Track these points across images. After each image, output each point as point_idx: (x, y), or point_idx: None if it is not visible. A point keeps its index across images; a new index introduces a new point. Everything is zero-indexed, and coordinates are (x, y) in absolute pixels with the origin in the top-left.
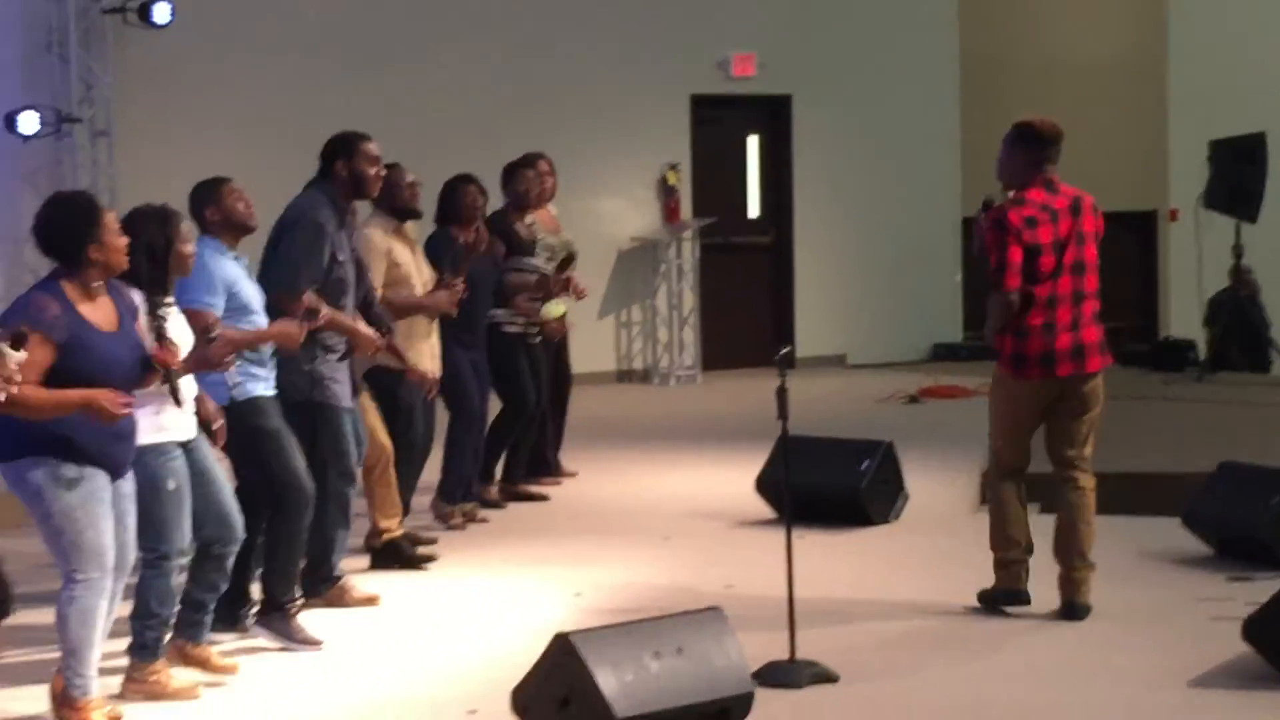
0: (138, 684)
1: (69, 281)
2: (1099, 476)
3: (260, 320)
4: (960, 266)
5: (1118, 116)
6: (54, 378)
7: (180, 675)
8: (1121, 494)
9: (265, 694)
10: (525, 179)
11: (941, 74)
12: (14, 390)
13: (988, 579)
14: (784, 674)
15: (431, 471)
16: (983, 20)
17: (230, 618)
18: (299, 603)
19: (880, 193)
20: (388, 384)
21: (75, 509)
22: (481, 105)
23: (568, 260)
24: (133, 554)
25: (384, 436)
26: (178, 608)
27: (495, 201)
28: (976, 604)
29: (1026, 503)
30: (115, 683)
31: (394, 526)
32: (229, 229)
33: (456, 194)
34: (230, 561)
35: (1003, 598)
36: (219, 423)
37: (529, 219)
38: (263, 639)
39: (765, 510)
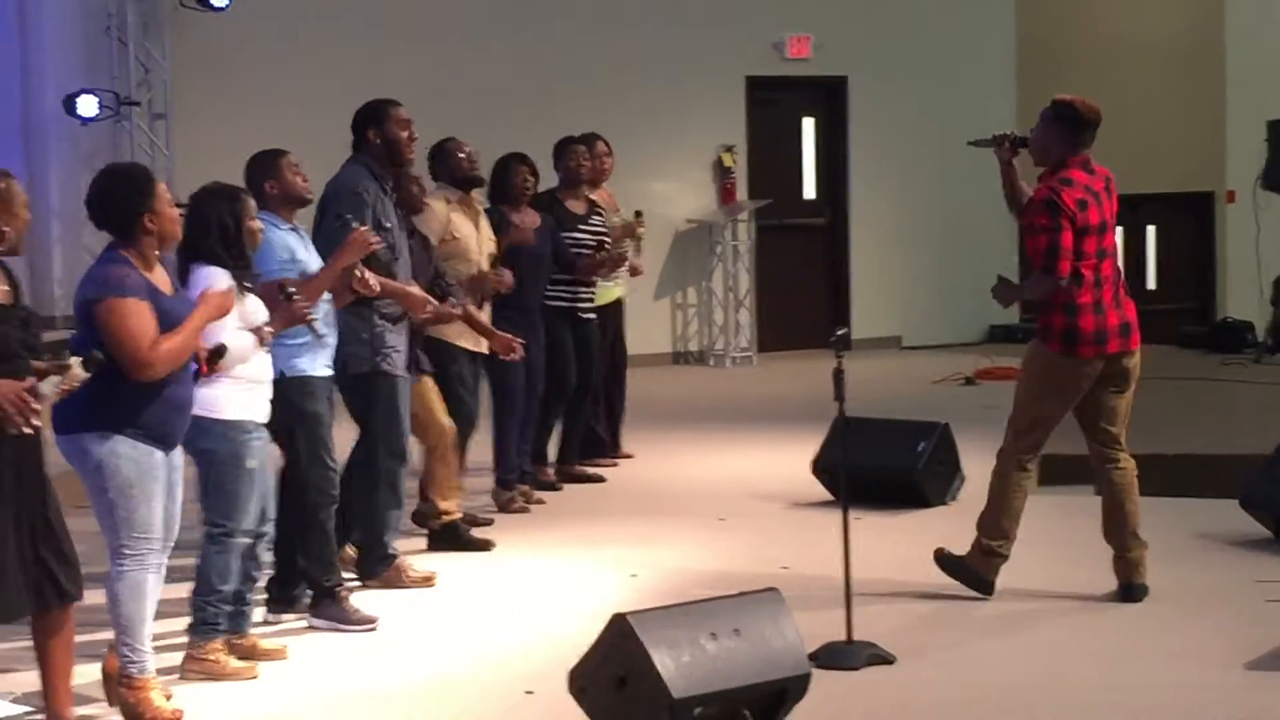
0: (197, 662)
1: (129, 251)
2: (1156, 458)
3: None
4: (1016, 248)
5: (1174, 98)
6: None
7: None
8: (1179, 475)
9: (319, 674)
10: (575, 155)
11: (998, 55)
12: (28, 422)
13: (1043, 560)
14: (841, 655)
15: (483, 452)
16: (1039, 1)
17: (286, 598)
18: (347, 585)
19: (936, 174)
20: (438, 359)
21: (133, 484)
22: (538, 87)
23: (631, 230)
24: (178, 526)
25: (444, 417)
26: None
27: (548, 181)
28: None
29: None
30: (169, 661)
31: (453, 508)
32: (286, 202)
33: (508, 173)
34: (261, 549)
35: (971, 580)
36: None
37: (591, 196)
38: (319, 625)
39: (821, 492)
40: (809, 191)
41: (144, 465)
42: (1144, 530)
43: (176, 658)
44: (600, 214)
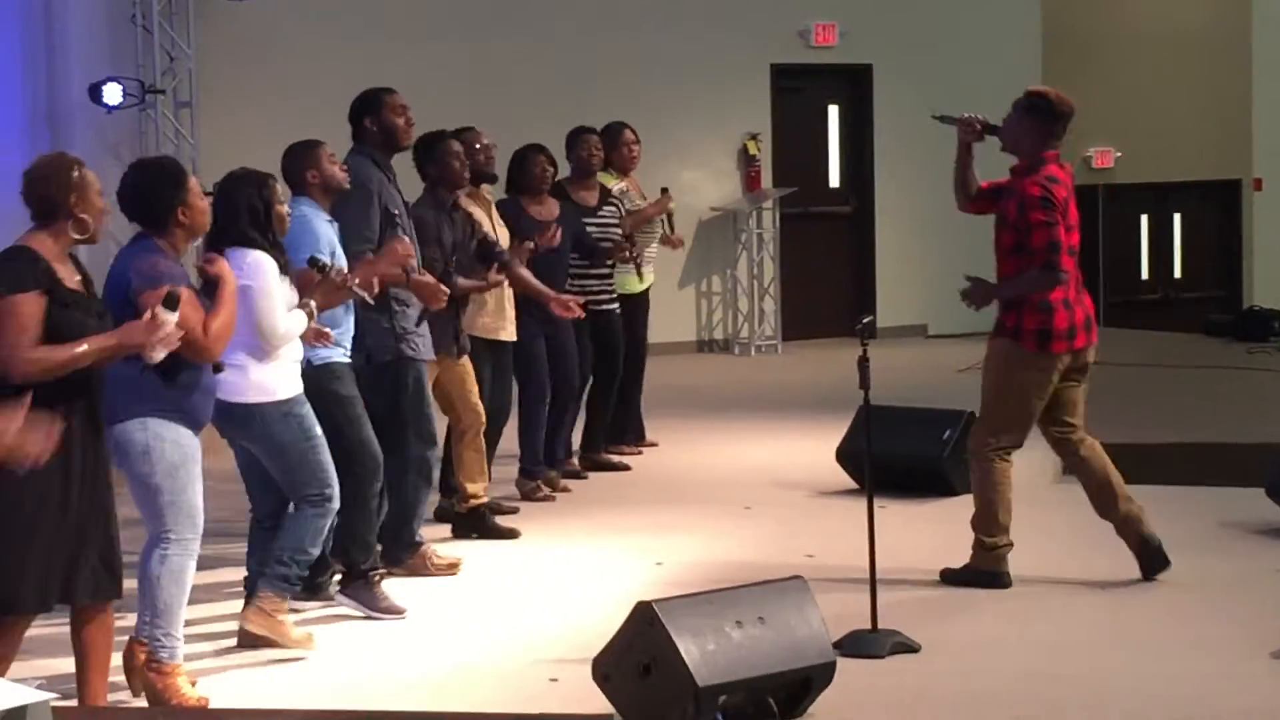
0: (263, 616)
1: (160, 241)
2: (1182, 446)
3: None
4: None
5: (1201, 87)
6: None
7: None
8: (1205, 464)
9: (344, 661)
10: (587, 144)
11: (1023, 43)
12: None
13: (1066, 549)
14: (866, 643)
15: (508, 441)
16: None
17: (312, 586)
18: (381, 570)
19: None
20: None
21: (178, 468)
22: (563, 75)
23: (663, 206)
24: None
25: (478, 402)
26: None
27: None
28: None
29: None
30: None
31: (480, 492)
32: (326, 191)
33: (526, 163)
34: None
35: (985, 580)
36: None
37: (622, 184)
38: (346, 608)
39: (846, 480)
40: (834, 179)
41: (186, 448)
42: (1168, 519)
43: (201, 646)
44: (613, 204)
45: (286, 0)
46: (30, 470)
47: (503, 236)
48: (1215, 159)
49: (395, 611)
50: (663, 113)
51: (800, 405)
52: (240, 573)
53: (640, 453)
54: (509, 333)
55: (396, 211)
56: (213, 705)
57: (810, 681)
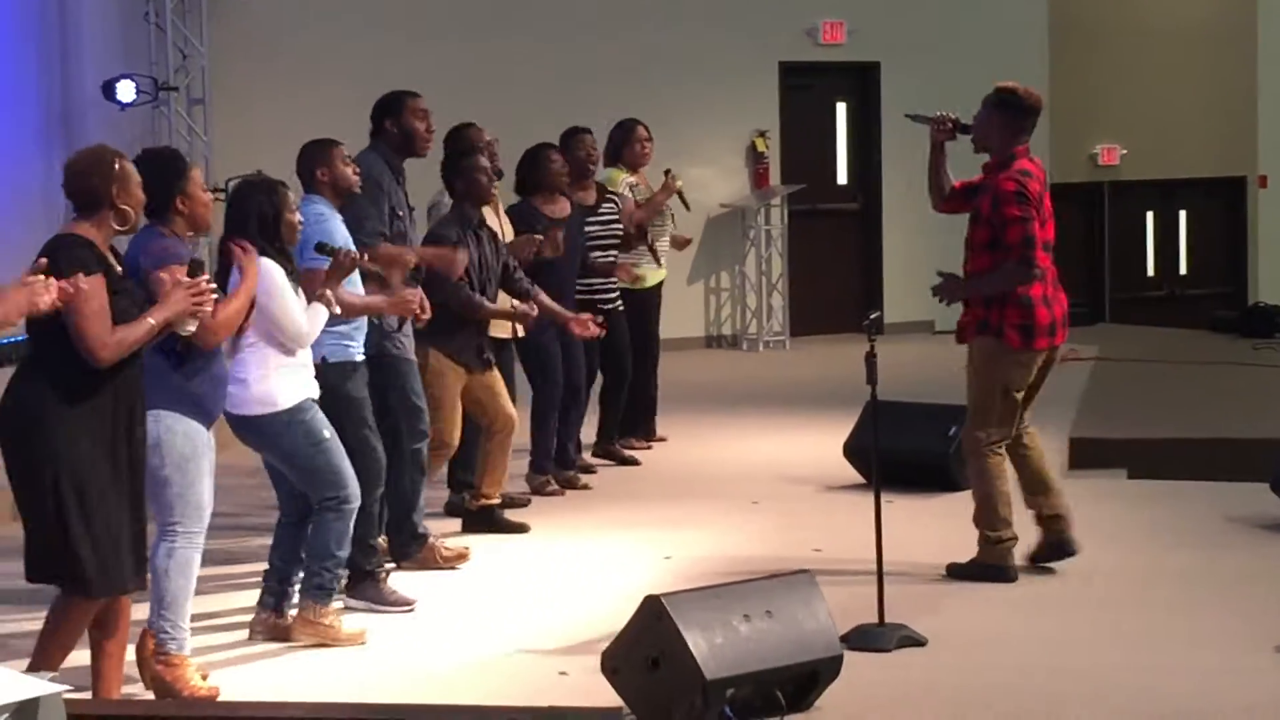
0: (311, 626)
1: (163, 228)
2: (1190, 442)
3: (356, 281)
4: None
5: (1207, 83)
6: None
7: (350, 621)
8: (1210, 459)
9: (354, 655)
10: (584, 144)
11: (1030, 40)
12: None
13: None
14: (873, 637)
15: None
16: None
17: None
18: (388, 567)
19: (968, 159)
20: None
21: (188, 461)
22: (571, 74)
23: (670, 189)
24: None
25: (510, 406)
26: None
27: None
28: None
29: None
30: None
31: (494, 495)
32: (336, 191)
33: (538, 161)
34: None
35: (991, 575)
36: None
37: (633, 180)
38: (358, 610)
39: (853, 475)
40: (842, 176)
41: (197, 441)
42: (1173, 514)
43: (208, 639)
44: (612, 200)
45: None
46: (85, 459)
47: (508, 237)
48: (1221, 156)
49: (404, 603)
50: (673, 110)
51: (808, 400)
52: (253, 566)
53: (650, 447)
54: (505, 330)
55: (401, 213)
56: (224, 697)
57: (817, 675)
